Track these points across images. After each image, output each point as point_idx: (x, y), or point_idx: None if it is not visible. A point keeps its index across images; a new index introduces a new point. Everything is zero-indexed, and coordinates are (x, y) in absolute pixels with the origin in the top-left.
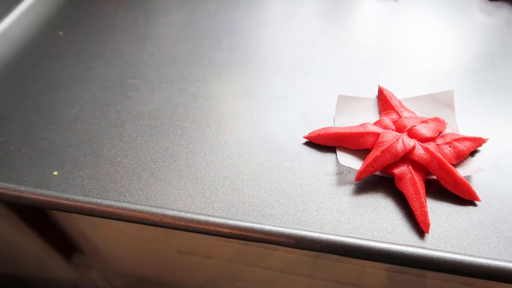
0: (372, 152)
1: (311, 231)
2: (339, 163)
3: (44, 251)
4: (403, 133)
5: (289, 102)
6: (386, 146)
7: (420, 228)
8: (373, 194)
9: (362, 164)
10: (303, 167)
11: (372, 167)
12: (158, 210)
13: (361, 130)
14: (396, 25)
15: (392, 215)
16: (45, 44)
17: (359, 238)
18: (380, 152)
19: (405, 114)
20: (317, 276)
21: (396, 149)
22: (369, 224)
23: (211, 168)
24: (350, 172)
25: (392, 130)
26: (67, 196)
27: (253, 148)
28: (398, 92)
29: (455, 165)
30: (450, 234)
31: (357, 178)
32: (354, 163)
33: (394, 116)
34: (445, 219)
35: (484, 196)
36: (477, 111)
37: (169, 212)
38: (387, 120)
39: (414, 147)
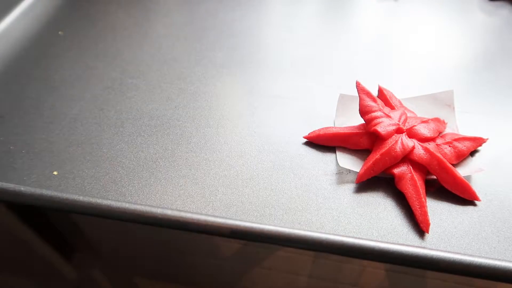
0: (371, 155)
1: (311, 231)
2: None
3: (44, 251)
4: (402, 133)
5: (289, 102)
6: (386, 148)
7: (420, 228)
8: (373, 194)
9: (362, 167)
10: (303, 167)
11: (372, 170)
12: (158, 210)
13: (361, 130)
14: (396, 25)
15: (392, 215)
16: (45, 44)
17: (359, 238)
18: (380, 155)
19: None
20: (317, 276)
21: (396, 151)
22: (369, 224)
23: (211, 168)
24: (350, 172)
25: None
26: (67, 196)
27: (253, 148)
28: (398, 92)
29: (455, 165)
30: (450, 234)
31: (358, 181)
32: (354, 165)
33: None
34: (445, 219)
35: (484, 196)
36: (477, 111)
37: (169, 212)
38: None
39: (413, 148)
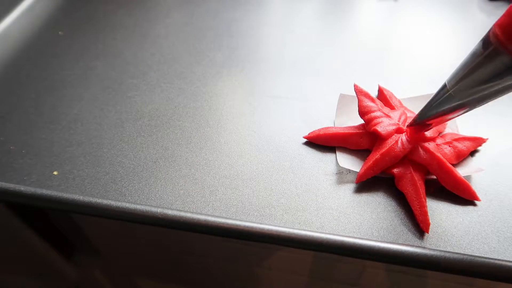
0: (371, 154)
1: (311, 231)
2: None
3: (44, 251)
4: (402, 133)
5: (289, 102)
6: (386, 148)
7: (420, 228)
8: (373, 194)
9: (362, 167)
10: (303, 167)
11: (372, 170)
12: (158, 210)
13: (361, 130)
14: (396, 25)
15: (392, 215)
16: (45, 44)
17: (359, 238)
18: (380, 155)
19: None
20: (317, 276)
21: (396, 151)
22: (369, 224)
23: (211, 168)
24: (350, 172)
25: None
26: (67, 196)
27: (253, 148)
28: (398, 92)
29: (455, 165)
30: (450, 234)
31: (358, 181)
32: (354, 165)
33: None
34: (445, 219)
35: (484, 196)
36: (477, 111)
37: (169, 212)
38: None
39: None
